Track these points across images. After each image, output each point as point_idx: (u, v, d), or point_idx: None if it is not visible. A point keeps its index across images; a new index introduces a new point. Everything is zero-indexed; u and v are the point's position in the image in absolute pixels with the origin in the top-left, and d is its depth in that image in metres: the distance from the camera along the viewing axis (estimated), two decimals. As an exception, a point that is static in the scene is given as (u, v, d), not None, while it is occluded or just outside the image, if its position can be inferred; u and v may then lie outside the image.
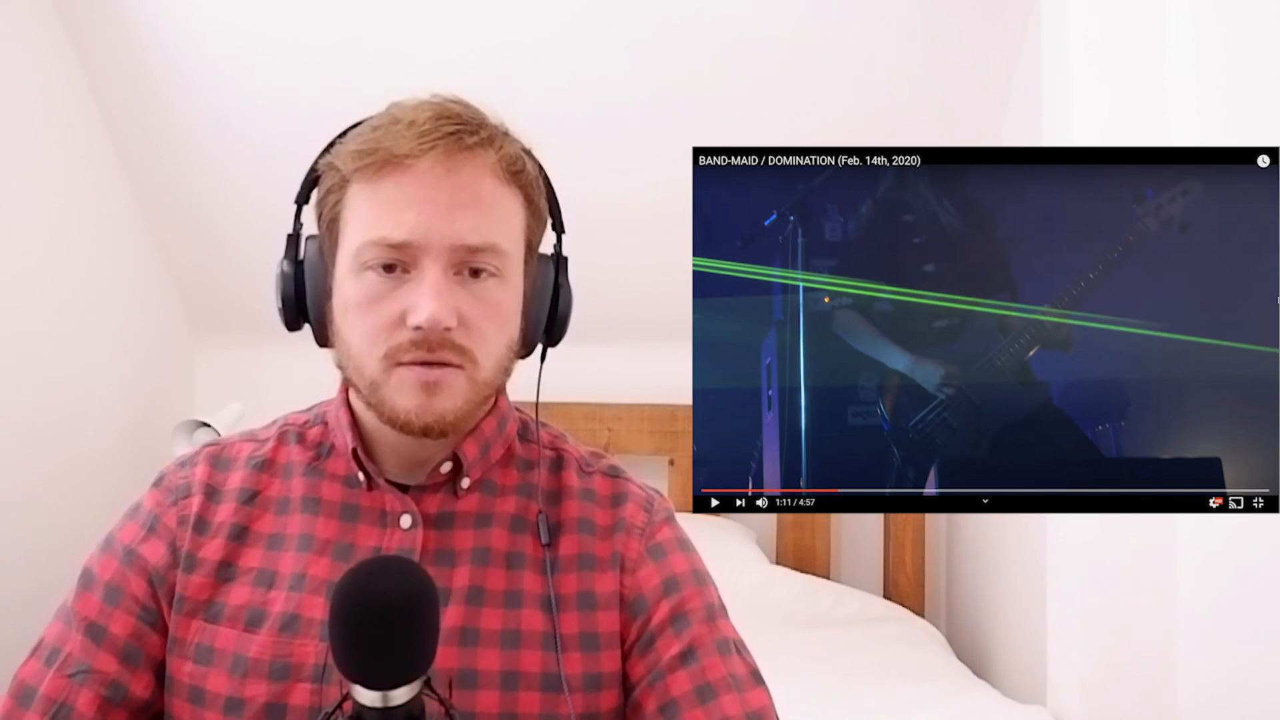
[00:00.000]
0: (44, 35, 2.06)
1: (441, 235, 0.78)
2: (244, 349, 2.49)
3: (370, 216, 0.79)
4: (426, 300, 0.77)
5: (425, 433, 0.80)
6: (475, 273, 0.80)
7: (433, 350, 0.78)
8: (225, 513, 0.87)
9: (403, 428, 0.80)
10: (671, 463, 2.43)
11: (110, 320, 2.29)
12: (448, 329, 0.78)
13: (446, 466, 0.87)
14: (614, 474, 0.94)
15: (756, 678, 0.88)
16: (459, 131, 0.79)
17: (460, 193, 0.79)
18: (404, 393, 0.79)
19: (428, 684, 0.66)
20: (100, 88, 2.19)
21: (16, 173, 1.98)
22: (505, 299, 0.83)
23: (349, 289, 0.81)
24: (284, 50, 2.11)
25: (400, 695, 0.63)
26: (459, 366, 0.80)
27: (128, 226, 2.36)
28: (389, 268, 0.79)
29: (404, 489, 0.87)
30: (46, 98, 2.08)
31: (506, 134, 0.84)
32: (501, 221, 0.82)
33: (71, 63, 2.13)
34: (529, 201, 0.85)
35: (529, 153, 0.86)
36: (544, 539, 0.86)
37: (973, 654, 2.20)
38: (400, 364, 0.79)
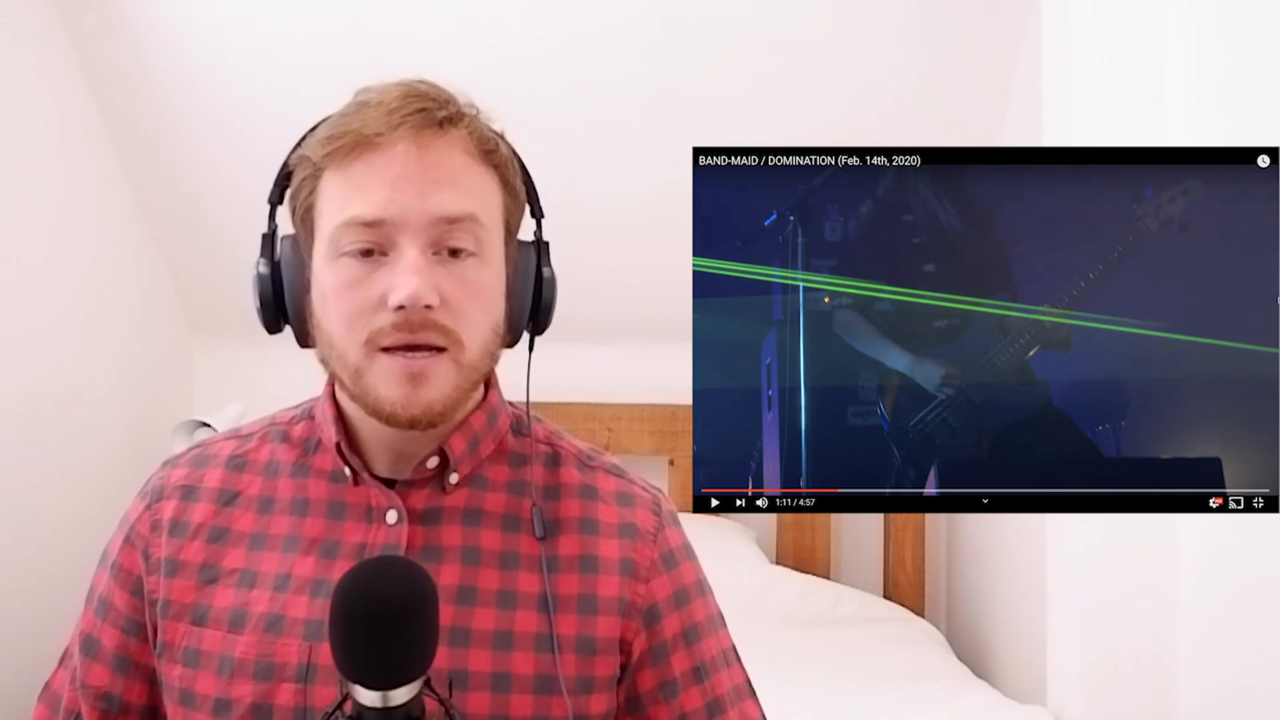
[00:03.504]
0: (44, 35, 2.06)
1: (418, 211, 0.77)
2: (244, 349, 2.48)
3: (343, 199, 0.78)
4: (406, 278, 0.76)
5: (413, 424, 0.79)
6: (454, 253, 0.79)
7: (415, 331, 0.77)
8: (203, 513, 0.87)
9: (389, 420, 0.79)
10: (671, 463, 2.43)
11: (110, 320, 2.29)
12: (429, 307, 0.76)
13: (433, 461, 0.85)
14: (617, 472, 0.92)
15: (750, 687, 0.93)
16: (428, 109, 0.78)
17: (434, 169, 0.78)
18: (388, 383, 0.78)
19: (427, 684, 0.66)
20: (100, 88, 2.19)
21: (16, 173, 1.98)
22: (486, 279, 0.81)
23: (326, 277, 0.79)
24: (284, 50, 2.11)
25: (400, 695, 0.63)
26: (443, 349, 0.78)
27: (128, 226, 2.36)
28: (366, 253, 0.78)
29: (391, 484, 0.85)
30: (46, 98, 2.08)
31: (477, 114, 0.83)
32: (478, 197, 0.81)
33: (71, 63, 2.13)
34: (504, 182, 0.84)
35: (501, 136, 0.85)
36: (538, 533, 0.85)
37: (973, 654, 2.20)
38: (383, 349, 0.77)
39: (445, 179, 0.78)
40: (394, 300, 0.76)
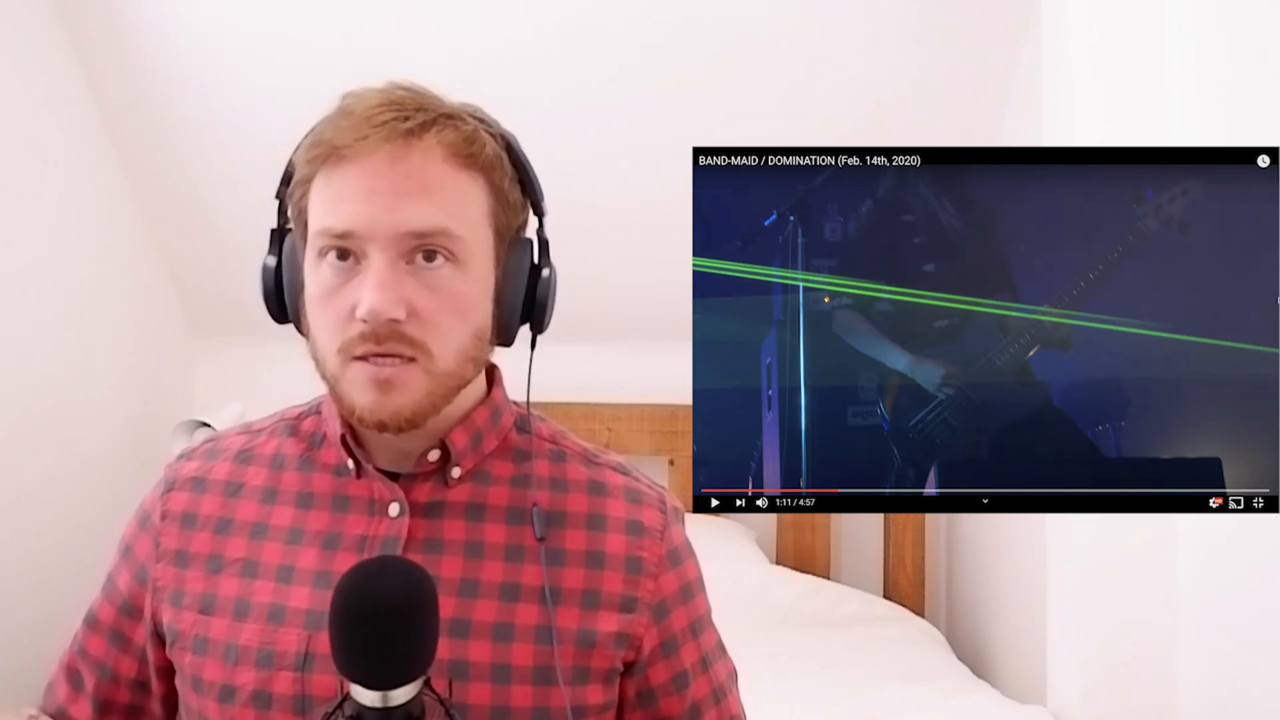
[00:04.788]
0: (44, 35, 2.06)
1: (386, 225, 0.77)
2: (244, 349, 2.48)
3: (321, 208, 0.79)
4: (370, 292, 0.76)
5: (381, 428, 0.80)
6: (429, 256, 0.79)
7: (381, 343, 0.77)
8: (210, 505, 0.89)
9: (360, 423, 0.81)
10: (671, 463, 2.43)
11: (110, 320, 2.29)
12: (395, 320, 0.77)
13: (434, 455, 0.86)
14: (622, 470, 0.93)
15: (735, 678, 0.97)
16: (395, 119, 0.78)
17: (405, 181, 0.78)
18: (359, 389, 0.79)
19: (427, 684, 0.66)
20: (100, 88, 2.19)
21: (16, 173, 1.98)
22: (466, 288, 0.81)
23: (311, 282, 0.81)
24: (284, 50, 2.11)
25: (400, 695, 0.63)
26: (411, 359, 0.79)
27: (128, 226, 2.36)
28: (343, 255, 0.79)
29: (395, 477, 0.86)
30: (46, 98, 2.08)
31: (453, 116, 0.81)
32: (454, 206, 0.80)
33: (71, 63, 2.13)
34: (491, 185, 0.83)
35: (494, 134, 0.84)
36: (538, 534, 0.85)
37: (973, 654, 2.20)
38: (354, 358, 0.79)
39: (416, 190, 0.78)
40: (359, 313, 0.77)
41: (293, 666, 0.81)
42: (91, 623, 0.93)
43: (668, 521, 0.91)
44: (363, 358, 0.78)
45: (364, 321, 0.77)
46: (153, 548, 0.89)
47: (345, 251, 0.79)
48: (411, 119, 0.78)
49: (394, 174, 0.78)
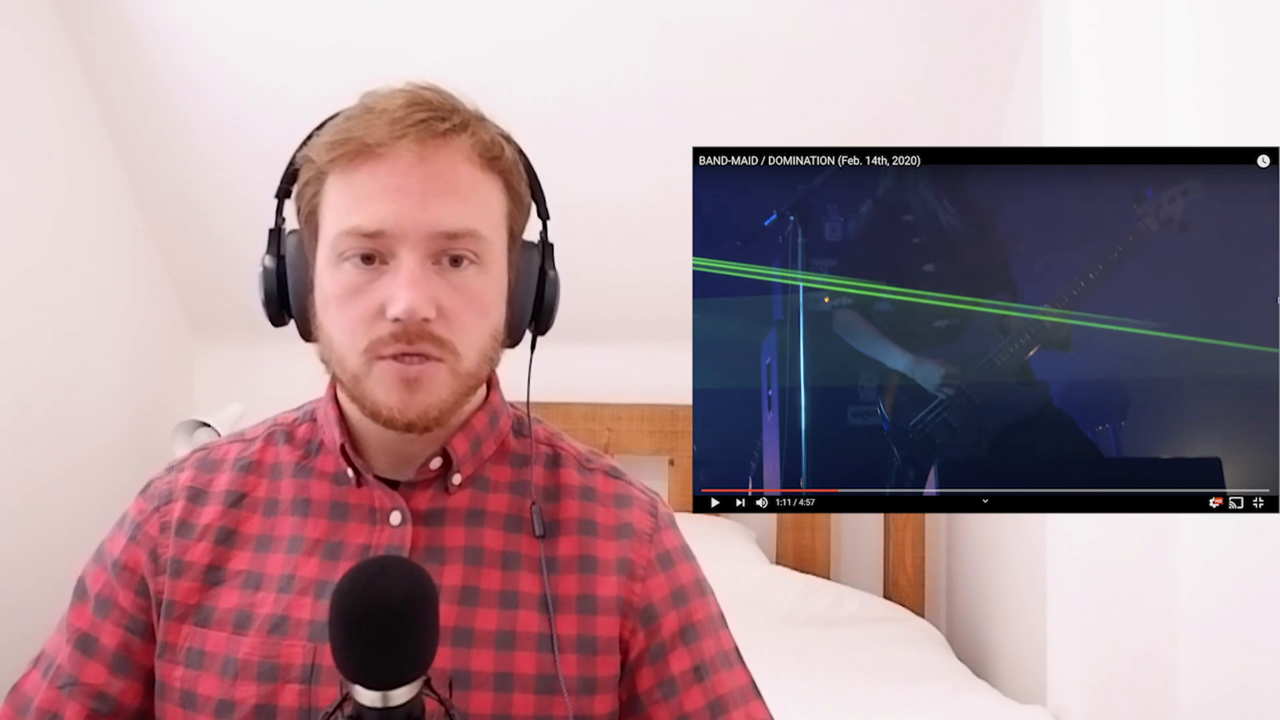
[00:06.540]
0: (44, 35, 2.06)
1: (416, 224, 0.77)
2: (244, 349, 2.49)
3: (345, 207, 0.78)
4: (403, 291, 0.76)
5: (409, 428, 0.79)
6: (455, 261, 0.79)
7: (412, 342, 0.77)
8: (211, 515, 0.87)
9: (386, 423, 0.80)
10: (671, 463, 2.43)
11: (110, 320, 2.29)
12: (426, 320, 0.77)
13: (436, 462, 0.85)
14: (615, 474, 0.93)
15: (755, 688, 0.91)
16: (431, 119, 0.78)
17: (435, 180, 0.78)
18: (385, 388, 0.78)
19: (427, 684, 0.66)
20: (100, 88, 2.19)
21: (17, 173, 1.98)
22: (486, 288, 0.82)
23: (328, 282, 0.80)
24: (284, 50, 2.11)
25: (400, 695, 0.63)
26: (439, 359, 0.79)
27: (128, 227, 2.36)
28: (367, 259, 0.78)
29: (394, 485, 0.86)
30: (47, 98, 2.08)
31: (482, 119, 0.83)
32: (479, 208, 0.81)
33: (71, 63, 2.13)
34: (509, 188, 0.84)
35: (508, 138, 0.85)
36: (538, 531, 0.85)
37: (973, 654, 2.20)
38: (381, 357, 0.78)
39: (447, 190, 0.78)
40: (391, 313, 0.77)
41: (299, 679, 0.80)
42: (89, 648, 0.86)
43: (658, 525, 0.90)
44: (390, 357, 0.78)
45: (396, 321, 0.76)
46: (150, 560, 0.86)
47: (370, 253, 0.78)
48: (448, 120, 0.79)
49: (424, 173, 0.78)
